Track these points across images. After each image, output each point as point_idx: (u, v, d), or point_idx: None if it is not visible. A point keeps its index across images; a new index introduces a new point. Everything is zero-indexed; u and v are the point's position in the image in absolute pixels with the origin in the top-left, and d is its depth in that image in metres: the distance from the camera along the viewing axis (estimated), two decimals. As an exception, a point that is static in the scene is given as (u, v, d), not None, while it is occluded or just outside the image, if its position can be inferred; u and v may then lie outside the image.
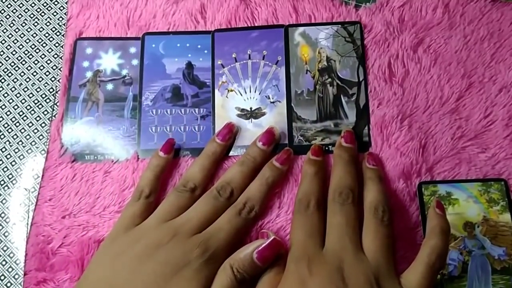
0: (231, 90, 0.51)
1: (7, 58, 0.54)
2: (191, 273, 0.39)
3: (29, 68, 0.54)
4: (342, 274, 0.38)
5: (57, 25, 0.55)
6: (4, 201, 0.49)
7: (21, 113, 0.52)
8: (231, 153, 0.49)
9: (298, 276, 0.39)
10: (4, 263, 0.47)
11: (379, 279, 0.39)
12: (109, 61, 0.53)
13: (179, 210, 0.44)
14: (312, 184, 0.45)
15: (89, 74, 0.52)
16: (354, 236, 0.41)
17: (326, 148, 0.48)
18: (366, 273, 0.39)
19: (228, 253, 0.41)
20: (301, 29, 0.52)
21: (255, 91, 0.51)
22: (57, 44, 0.54)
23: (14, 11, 0.56)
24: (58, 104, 0.52)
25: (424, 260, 0.39)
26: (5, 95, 0.53)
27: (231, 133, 0.48)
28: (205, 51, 0.52)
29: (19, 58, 0.54)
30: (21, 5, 0.56)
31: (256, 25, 0.53)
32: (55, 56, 0.54)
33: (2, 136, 0.51)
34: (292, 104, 0.50)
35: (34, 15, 0.56)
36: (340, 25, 0.52)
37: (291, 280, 0.39)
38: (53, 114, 0.52)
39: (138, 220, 0.43)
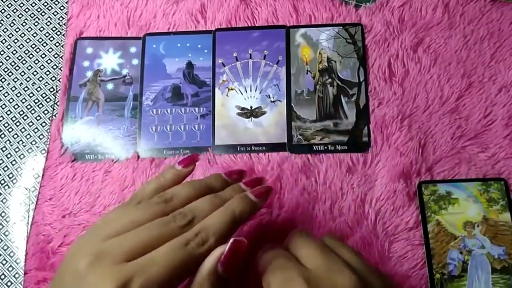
0: (232, 89, 0.51)
1: (7, 58, 0.54)
2: None
3: (29, 67, 0.54)
4: None
5: (58, 25, 0.55)
6: (4, 201, 0.49)
7: (21, 113, 0.52)
8: (231, 153, 0.49)
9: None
10: (4, 262, 0.47)
11: None
12: (109, 60, 0.53)
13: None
14: None
15: (89, 74, 0.53)
16: None
17: (326, 147, 0.48)
18: None
19: None
20: (302, 30, 0.53)
21: (255, 90, 0.51)
22: (57, 44, 0.55)
23: (15, 10, 0.56)
24: (58, 103, 0.52)
25: None
26: (6, 94, 0.53)
27: (243, 174, 0.42)
28: (205, 51, 0.52)
29: (20, 57, 0.54)
30: (21, 5, 0.56)
31: (256, 25, 0.53)
32: (56, 55, 0.54)
33: (2, 136, 0.51)
34: (292, 104, 0.50)
35: (34, 15, 0.56)
36: (341, 27, 0.52)
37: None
38: (54, 114, 0.52)
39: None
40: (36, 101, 0.52)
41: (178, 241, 0.33)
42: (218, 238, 0.34)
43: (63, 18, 0.56)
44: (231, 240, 0.33)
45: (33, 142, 0.51)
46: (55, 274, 0.34)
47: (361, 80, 0.50)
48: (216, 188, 0.39)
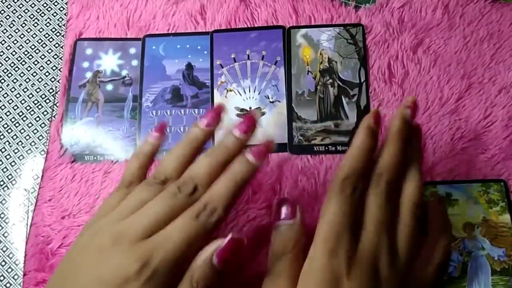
0: (230, 90, 0.51)
1: (7, 59, 0.54)
2: None
3: (29, 68, 0.54)
4: (379, 278, 0.34)
5: (57, 26, 0.55)
6: (3, 202, 0.49)
7: (21, 114, 0.52)
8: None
9: (333, 273, 0.33)
10: (3, 263, 0.47)
11: (407, 283, 0.36)
12: (109, 61, 0.53)
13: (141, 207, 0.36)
14: (364, 161, 0.36)
15: (89, 75, 0.53)
16: (391, 233, 0.36)
17: (326, 148, 0.48)
18: (401, 280, 0.35)
19: (179, 268, 0.33)
20: (303, 30, 0.52)
21: (254, 91, 0.51)
22: (57, 45, 0.55)
23: (14, 11, 0.56)
24: (58, 104, 0.52)
25: (439, 260, 0.38)
26: (5, 95, 0.53)
27: (219, 117, 0.39)
28: (205, 52, 0.52)
29: (19, 58, 0.54)
30: (21, 6, 0.56)
31: (256, 26, 0.53)
32: (55, 56, 0.54)
33: (1, 137, 0.51)
34: (293, 104, 0.50)
35: (34, 16, 0.56)
36: (342, 27, 0.52)
37: (323, 275, 0.33)
38: (53, 115, 0.52)
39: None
40: (36, 102, 0.52)
41: (189, 214, 0.34)
42: (225, 207, 0.34)
43: (62, 19, 0.56)
44: (228, 237, 0.33)
45: (33, 143, 0.51)
46: (64, 258, 0.35)
47: (362, 80, 0.50)
48: (201, 138, 0.39)
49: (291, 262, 0.35)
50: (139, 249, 0.32)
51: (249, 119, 0.38)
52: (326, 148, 0.48)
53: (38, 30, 0.55)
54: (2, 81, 0.53)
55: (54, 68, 0.54)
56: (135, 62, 0.53)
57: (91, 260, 0.33)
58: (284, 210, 0.37)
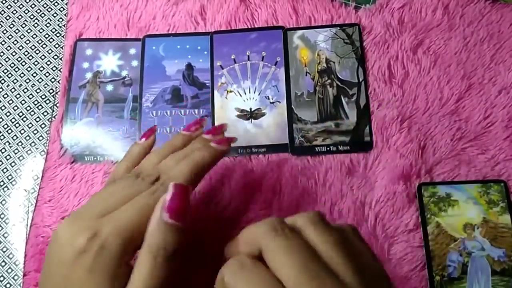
0: (230, 91, 0.51)
1: (7, 59, 0.54)
2: (83, 271, 0.31)
3: (29, 69, 0.54)
4: None
5: (57, 26, 0.55)
6: (3, 202, 0.49)
7: (21, 114, 0.52)
8: (232, 155, 0.49)
9: None
10: (3, 264, 0.47)
11: None
12: (109, 62, 0.53)
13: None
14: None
15: (89, 75, 0.53)
16: None
17: (328, 148, 0.48)
18: None
19: (133, 241, 0.32)
20: (299, 32, 0.53)
21: (254, 92, 0.51)
22: (57, 45, 0.55)
23: (14, 12, 0.56)
24: (58, 105, 0.52)
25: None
26: (5, 96, 0.53)
27: (200, 126, 0.42)
28: (205, 52, 0.52)
29: (19, 59, 0.54)
30: (21, 6, 0.56)
31: (256, 26, 0.53)
32: (55, 57, 0.54)
33: (2, 137, 0.51)
34: (293, 106, 0.50)
35: (34, 16, 0.56)
36: (338, 27, 0.52)
37: None
38: (53, 115, 0.52)
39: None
40: (36, 102, 0.52)
41: (147, 192, 0.34)
42: (171, 176, 0.35)
43: (62, 20, 0.56)
44: (171, 185, 0.33)
45: (33, 144, 0.51)
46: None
47: (361, 80, 0.50)
48: (180, 146, 0.40)
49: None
50: (89, 225, 0.32)
51: (219, 128, 0.42)
52: (328, 148, 0.48)
53: (38, 30, 0.55)
54: (3, 81, 0.53)
55: (54, 68, 0.54)
56: (135, 63, 0.53)
57: (52, 245, 0.33)
58: None
